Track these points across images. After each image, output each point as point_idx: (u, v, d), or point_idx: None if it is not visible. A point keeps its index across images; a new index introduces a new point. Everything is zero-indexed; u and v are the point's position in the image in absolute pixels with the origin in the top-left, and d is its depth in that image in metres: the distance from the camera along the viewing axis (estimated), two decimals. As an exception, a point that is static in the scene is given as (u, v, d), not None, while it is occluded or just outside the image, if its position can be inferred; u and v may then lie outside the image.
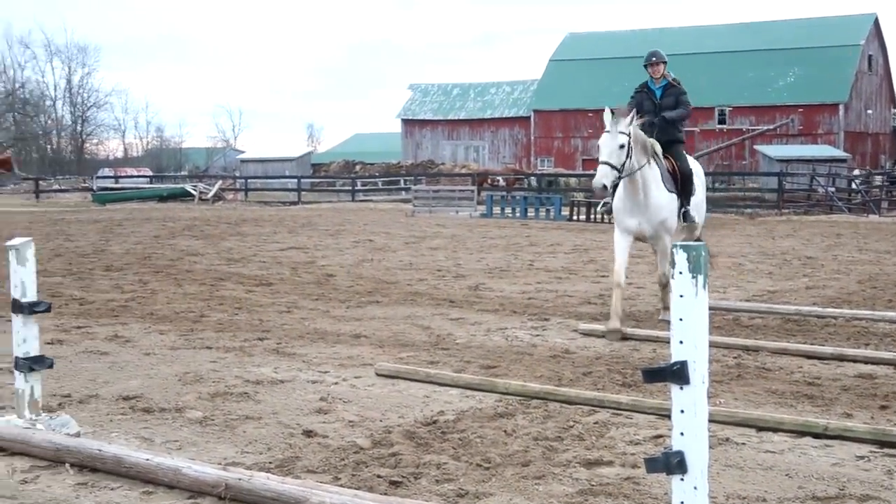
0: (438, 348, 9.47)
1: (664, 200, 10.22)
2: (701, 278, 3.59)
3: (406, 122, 78.02)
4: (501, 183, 45.29)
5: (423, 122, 76.55)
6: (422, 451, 5.97)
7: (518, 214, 34.98)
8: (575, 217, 33.37)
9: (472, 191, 39.80)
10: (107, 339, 9.91)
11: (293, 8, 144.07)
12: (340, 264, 17.44)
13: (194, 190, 51.40)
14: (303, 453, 5.97)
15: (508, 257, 19.15)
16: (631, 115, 9.76)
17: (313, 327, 10.68)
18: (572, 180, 46.86)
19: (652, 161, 10.11)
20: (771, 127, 64.01)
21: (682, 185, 10.55)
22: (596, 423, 6.60)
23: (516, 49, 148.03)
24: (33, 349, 6.15)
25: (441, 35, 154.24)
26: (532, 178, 48.50)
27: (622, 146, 9.52)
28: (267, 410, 7.03)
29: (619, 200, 10.32)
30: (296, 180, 56.07)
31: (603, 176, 9.38)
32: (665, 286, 10.06)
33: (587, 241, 23.14)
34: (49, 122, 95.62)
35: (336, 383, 7.95)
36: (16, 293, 6.07)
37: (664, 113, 10.71)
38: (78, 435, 6.13)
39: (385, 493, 5.05)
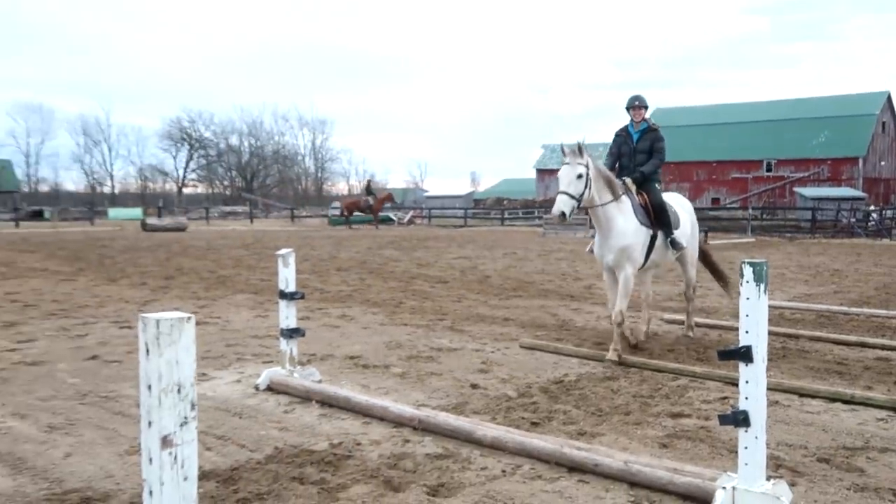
0: (563, 329, 9.36)
1: (628, 229, 7.52)
2: (762, 286, 3.47)
3: (539, 170, 77.67)
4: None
5: (552, 171, 75.38)
6: (552, 402, 5.91)
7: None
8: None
9: (586, 218, 39.26)
10: (338, 317, 10.16)
11: (464, 93, 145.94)
12: (493, 269, 17.44)
13: (395, 217, 52.41)
14: (470, 400, 5.98)
15: (612, 266, 18.81)
16: (583, 150, 7.28)
17: (476, 312, 10.71)
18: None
19: (624, 196, 7.64)
20: (806, 174, 61.15)
21: (656, 216, 7.84)
22: (678, 386, 6.40)
23: (619, 119, 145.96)
24: (292, 323, 6.35)
25: (566, 108, 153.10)
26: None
27: (580, 176, 7.13)
28: (445, 369, 7.08)
29: (596, 238, 7.96)
30: (462, 211, 56.99)
31: (561, 204, 7.09)
32: (619, 325, 7.50)
33: (669, 256, 22.51)
34: (300, 170, 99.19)
35: (492, 352, 7.94)
36: (281, 286, 6.28)
37: (641, 168, 8.00)
38: (320, 381, 6.30)
39: (527, 430, 5.03)
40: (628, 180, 7.89)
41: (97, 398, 6.02)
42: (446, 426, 5.04)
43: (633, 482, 4.11)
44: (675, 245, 7.99)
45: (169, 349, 1.80)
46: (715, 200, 63.41)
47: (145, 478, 1.83)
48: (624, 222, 7.51)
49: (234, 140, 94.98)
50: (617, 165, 8.32)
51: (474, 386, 6.44)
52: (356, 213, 43.87)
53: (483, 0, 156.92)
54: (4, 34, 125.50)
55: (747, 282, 3.49)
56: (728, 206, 57.31)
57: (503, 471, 4.38)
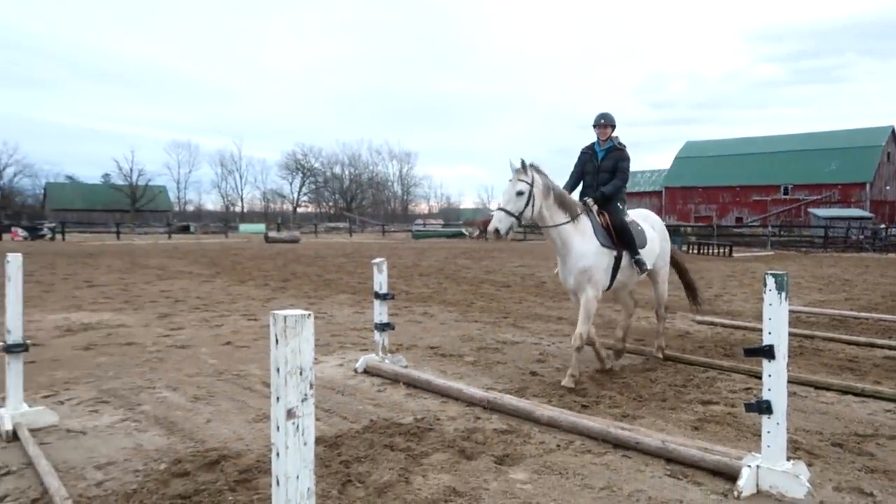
0: (608, 327, 9.16)
1: (588, 250, 6.04)
2: (784, 293, 3.33)
3: (587, 194, 76.79)
4: (644, 230, 43.40)
5: (597, 194, 75.21)
6: (599, 388, 5.80)
7: (654, 249, 33.56)
8: (690, 251, 31.50)
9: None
10: (420, 314, 10.21)
11: (519, 128, 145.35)
12: (548, 276, 17.23)
13: (466, 232, 52.36)
14: (530, 385, 5.93)
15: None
16: (527, 167, 5.84)
17: (534, 312, 10.61)
18: (688, 228, 44.21)
19: (584, 217, 6.18)
20: (819, 197, 58.47)
21: (618, 237, 6.29)
22: (707, 377, 6.20)
23: (653, 150, 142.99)
24: (384, 319, 6.42)
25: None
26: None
27: (520, 193, 5.76)
28: (509, 359, 7.04)
29: (559, 262, 6.42)
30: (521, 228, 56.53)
31: (497, 221, 5.77)
32: (579, 349, 5.89)
33: (699, 266, 21.77)
34: (389, 194, 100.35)
35: (548, 345, 7.85)
36: (376, 288, 6.36)
37: (602, 188, 6.44)
38: (406, 367, 6.35)
39: (578, 412, 4.95)
40: (589, 200, 6.41)
41: (231, 376, 6.20)
42: (510, 406, 5.00)
43: (669, 458, 4.00)
44: (639, 265, 6.40)
45: (293, 340, 1.84)
46: (738, 219, 61.27)
47: (274, 442, 1.87)
48: (583, 244, 6.07)
49: (337, 169, 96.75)
50: (581, 184, 6.78)
51: (533, 373, 6.37)
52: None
53: (530, 51, 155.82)
54: (165, 90, 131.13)
55: (770, 290, 3.36)
56: (749, 224, 55.27)
57: (558, 445, 4.32)
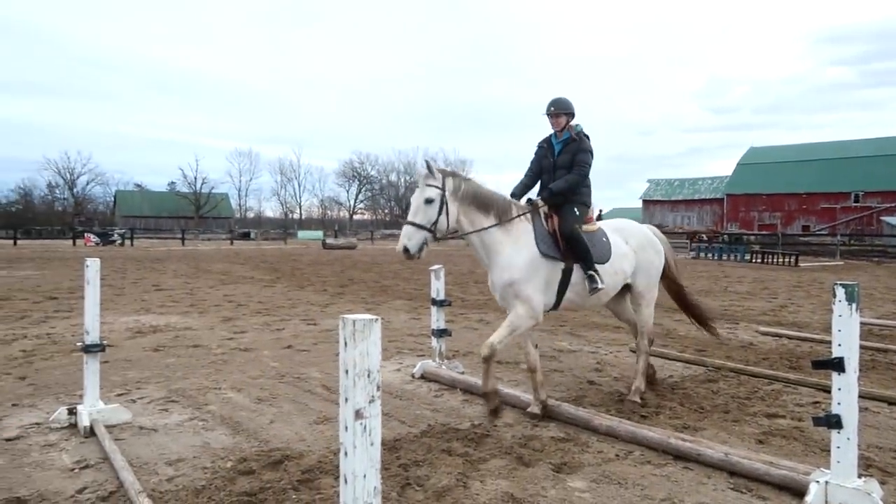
0: (667, 337, 9.01)
1: (517, 261, 4.99)
2: (854, 305, 3.23)
3: (645, 201, 75.07)
4: (704, 238, 42.23)
5: (655, 202, 73.29)
6: (659, 398, 5.71)
7: (715, 258, 32.59)
8: (754, 260, 30.57)
9: (686, 242, 37.60)
10: (476, 321, 10.23)
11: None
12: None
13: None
14: (587, 394, 5.88)
15: (710, 284, 17.87)
16: (434, 170, 4.87)
17: (591, 321, 10.49)
18: (752, 237, 42.90)
19: (523, 220, 5.15)
20: (893, 205, 55.81)
21: (566, 246, 5.15)
22: (773, 390, 6.01)
23: (715, 156, 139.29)
24: (441, 325, 6.48)
25: (668, 148, 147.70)
26: (725, 235, 44.85)
27: (429, 201, 4.80)
28: (565, 367, 6.99)
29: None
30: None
31: (405, 237, 4.75)
32: (486, 360, 4.99)
33: (763, 276, 21.12)
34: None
35: (606, 354, 7.76)
36: (433, 294, 6.43)
37: (551, 185, 5.34)
38: (463, 373, 6.38)
39: (637, 422, 4.89)
40: (538, 200, 5.35)
41: (292, 378, 6.36)
42: (567, 414, 4.98)
43: (733, 471, 3.91)
44: (590, 281, 5.18)
45: (361, 343, 1.90)
46: (805, 228, 59.07)
47: (342, 441, 1.93)
48: (513, 253, 5.03)
49: (393, 177, 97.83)
50: (539, 185, 5.70)
51: (591, 382, 6.32)
52: None
53: (586, 57, 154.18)
54: (228, 101, 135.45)
55: (839, 301, 3.26)
56: (817, 232, 53.23)
57: (616, 455, 4.28)
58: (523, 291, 5.01)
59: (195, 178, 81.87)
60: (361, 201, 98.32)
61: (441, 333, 6.51)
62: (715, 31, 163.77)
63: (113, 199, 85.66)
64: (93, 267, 4.95)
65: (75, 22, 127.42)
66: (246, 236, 60.60)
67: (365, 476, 1.90)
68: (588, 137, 5.54)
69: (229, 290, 14.59)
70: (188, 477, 3.88)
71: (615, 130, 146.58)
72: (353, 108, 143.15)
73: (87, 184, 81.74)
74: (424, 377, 6.35)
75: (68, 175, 79.17)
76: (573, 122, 5.57)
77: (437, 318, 6.48)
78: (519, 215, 5.18)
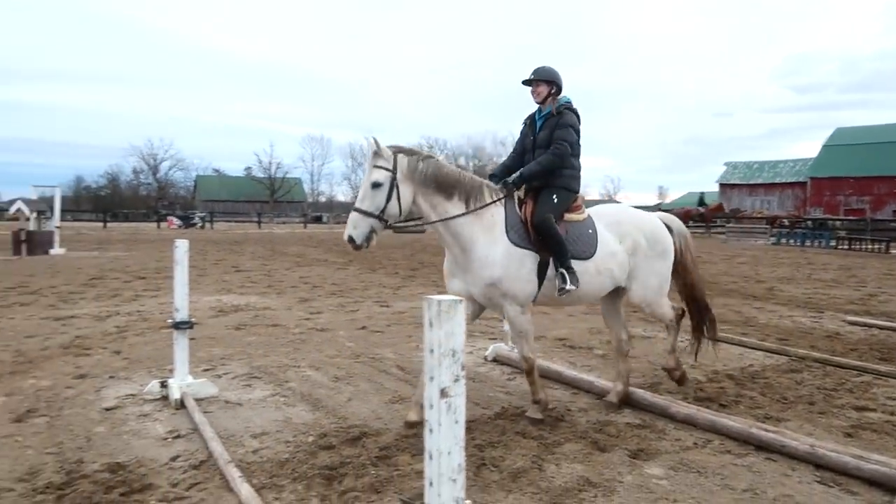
0: (747, 325, 8.72)
1: (493, 255, 4.37)
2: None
3: (722, 185, 72.37)
4: (786, 223, 40.45)
5: (733, 186, 70.50)
6: (739, 388, 5.56)
7: (798, 244, 31.19)
8: (840, 247, 29.09)
9: (766, 228, 36.08)
10: (550, 308, 10.13)
11: (652, 119, 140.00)
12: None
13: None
14: (663, 381, 5.77)
15: (792, 271, 17.15)
16: (381, 147, 4.22)
17: (666, 307, 10.24)
18: (837, 223, 40.78)
19: (496, 207, 4.51)
20: None
21: (537, 236, 4.48)
22: (862, 382, 5.75)
23: (797, 138, 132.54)
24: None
25: (748, 130, 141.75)
26: (808, 221, 42.82)
27: (376, 185, 4.18)
28: (640, 353, 6.88)
29: (446, 260, 4.72)
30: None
31: (350, 226, 4.17)
32: (529, 373, 4.70)
33: (850, 263, 20.09)
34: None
35: (681, 341, 7.53)
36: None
37: (522, 169, 4.67)
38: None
39: (716, 411, 4.77)
40: (510, 181, 4.64)
41: (367, 358, 6.51)
42: (643, 401, 4.92)
43: (819, 464, 3.78)
44: (562, 280, 4.48)
45: (446, 324, 1.93)
46: (896, 213, 55.77)
47: (427, 419, 1.97)
48: (488, 245, 4.41)
49: (462, 161, 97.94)
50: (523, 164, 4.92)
51: (666, 369, 6.19)
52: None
53: (660, 38, 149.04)
54: (301, 88, 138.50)
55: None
56: (910, 217, 50.08)
57: (695, 443, 4.21)
58: (510, 289, 4.44)
59: (270, 164, 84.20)
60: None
61: (513, 317, 6.51)
62: (798, 4, 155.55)
63: (193, 183, 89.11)
64: (181, 248, 5.19)
65: (159, 14, 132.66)
66: (318, 220, 62.04)
67: (450, 453, 1.95)
68: (574, 112, 4.77)
69: (304, 271, 15.00)
70: (272, 450, 4.04)
71: (690, 112, 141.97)
72: (422, 93, 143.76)
73: (169, 169, 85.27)
74: (497, 360, 6.38)
75: (152, 161, 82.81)
76: (561, 96, 4.84)
77: (509, 302, 6.47)
78: (494, 201, 4.54)
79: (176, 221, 46.77)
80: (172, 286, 5.27)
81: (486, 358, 6.45)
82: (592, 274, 4.69)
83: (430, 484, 1.96)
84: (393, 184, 4.24)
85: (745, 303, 10.94)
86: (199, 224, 47.01)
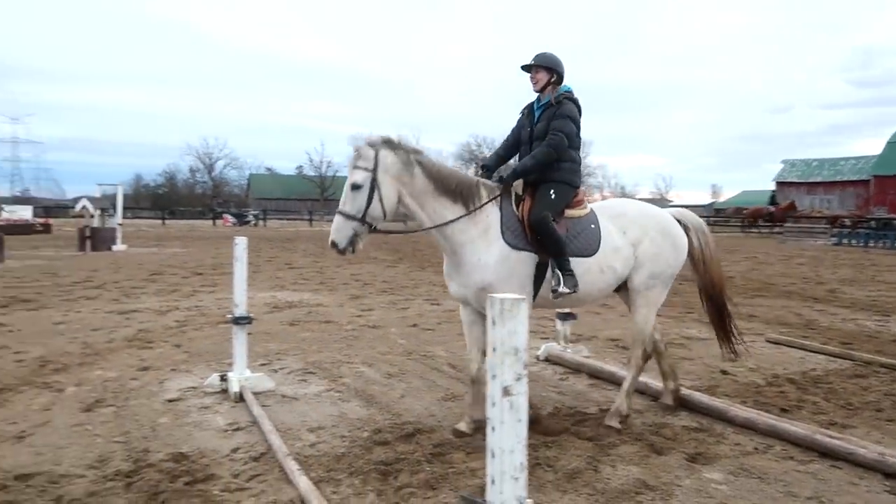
0: (807, 328, 8.45)
1: (487, 259, 4.10)
2: None
3: (779, 183, 70.12)
4: (847, 223, 38.98)
5: (790, 184, 68.18)
6: (801, 392, 5.39)
7: (861, 244, 30.03)
8: (906, 247, 27.91)
9: (827, 228, 34.85)
10: (599, 306, 9.97)
11: (704, 116, 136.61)
12: (736, 271, 16.14)
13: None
14: (720, 384, 5.66)
15: (855, 272, 16.53)
16: (361, 146, 4.01)
17: (721, 308, 9.99)
18: (903, 222, 39.12)
19: (490, 206, 4.23)
20: None
21: (532, 235, 4.19)
22: (933, 389, 5.52)
23: (859, 134, 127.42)
24: (567, 308, 6.42)
25: (806, 126, 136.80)
26: (872, 221, 41.14)
27: (356, 186, 3.94)
28: (695, 355, 6.74)
29: (445, 263, 4.46)
30: (703, 219, 53.43)
31: (334, 230, 3.95)
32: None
33: (917, 264, 19.26)
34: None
35: (739, 343, 7.37)
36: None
37: (516, 163, 4.49)
38: (587, 357, 6.32)
39: (777, 416, 4.64)
40: (506, 177, 4.36)
41: (419, 356, 6.56)
42: (700, 404, 4.82)
43: (888, 473, 3.64)
44: (556, 282, 4.18)
45: (510, 322, 1.93)
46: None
47: (489, 416, 1.98)
48: (482, 249, 4.14)
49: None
50: (518, 157, 4.68)
51: (724, 372, 6.06)
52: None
53: (713, 32, 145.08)
54: (352, 89, 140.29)
55: None
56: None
57: (755, 448, 4.10)
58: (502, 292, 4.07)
59: (321, 162, 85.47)
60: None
61: (566, 317, 6.47)
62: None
63: (247, 182, 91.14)
64: (241, 245, 5.33)
65: (214, 18, 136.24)
66: (367, 218, 62.52)
67: (512, 451, 1.95)
68: (575, 102, 4.44)
69: (355, 269, 15.19)
70: (328, 444, 4.11)
71: (745, 108, 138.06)
72: (470, 91, 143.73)
73: (224, 167, 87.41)
74: (549, 360, 6.35)
75: (207, 160, 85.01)
76: (562, 85, 4.51)
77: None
78: (490, 200, 4.24)
79: (231, 219, 47.93)
80: (229, 282, 5.43)
81: (537, 357, 6.42)
82: (595, 273, 4.40)
83: (493, 482, 1.97)
84: (372, 185, 3.98)
85: (804, 305, 10.61)
86: (253, 222, 48.07)
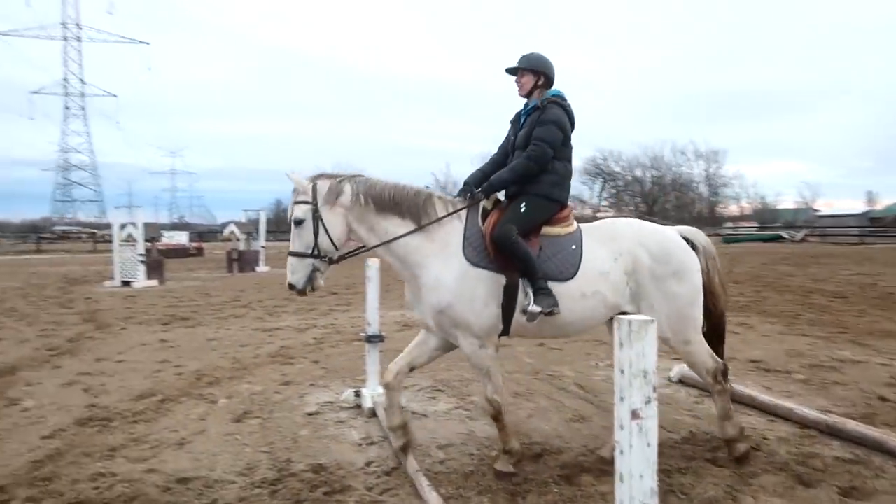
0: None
1: (446, 278, 3.76)
2: None
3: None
4: None
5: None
6: (977, 424, 4.82)
7: None
8: None
9: None
10: (737, 325, 9.35)
11: (851, 120, 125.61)
12: (897, 287, 14.70)
13: (787, 235, 47.20)
14: (879, 412, 5.16)
15: None
16: (299, 181, 3.86)
17: (880, 327, 9.12)
18: None
19: (452, 220, 3.92)
20: None
21: (500, 255, 3.76)
22: None
23: None
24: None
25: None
26: None
27: (299, 222, 3.80)
28: (849, 379, 6.20)
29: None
30: (857, 229, 48.89)
31: (289, 272, 3.83)
32: (496, 419, 4.05)
33: None
34: (694, 196, 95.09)
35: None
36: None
37: (492, 177, 3.97)
38: (725, 380, 5.99)
39: (949, 449, 4.18)
40: (479, 193, 4.00)
41: (546, 375, 6.52)
42: (855, 433, 4.43)
43: None
44: (528, 300, 3.76)
45: (637, 343, 1.92)
46: None
47: (617, 440, 1.97)
48: (440, 265, 3.82)
49: (638, 172, 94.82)
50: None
51: (883, 399, 5.54)
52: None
53: (872, 26, 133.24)
54: (475, 107, 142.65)
55: None
56: None
57: (922, 484, 3.72)
58: (462, 317, 3.77)
59: (446, 182, 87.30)
60: (605, 198, 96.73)
61: (700, 337, 6.18)
62: None
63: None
64: (373, 267, 5.57)
65: (336, 48, 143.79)
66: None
67: (641, 476, 1.92)
68: (563, 106, 4.03)
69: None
70: (458, 461, 4.19)
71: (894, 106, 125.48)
72: (597, 105, 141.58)
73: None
74: (682, 381, 6.10)
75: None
76: (551, 89, 4.13)
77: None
78: (448, 214, 3.92)
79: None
80: (361, 301, 5.68)
81: (669, 378, 6.19)
82: (576, 298, 3.86)
83: (622, 507, 1.95)
84: (315, 217, 3.82)
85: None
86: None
